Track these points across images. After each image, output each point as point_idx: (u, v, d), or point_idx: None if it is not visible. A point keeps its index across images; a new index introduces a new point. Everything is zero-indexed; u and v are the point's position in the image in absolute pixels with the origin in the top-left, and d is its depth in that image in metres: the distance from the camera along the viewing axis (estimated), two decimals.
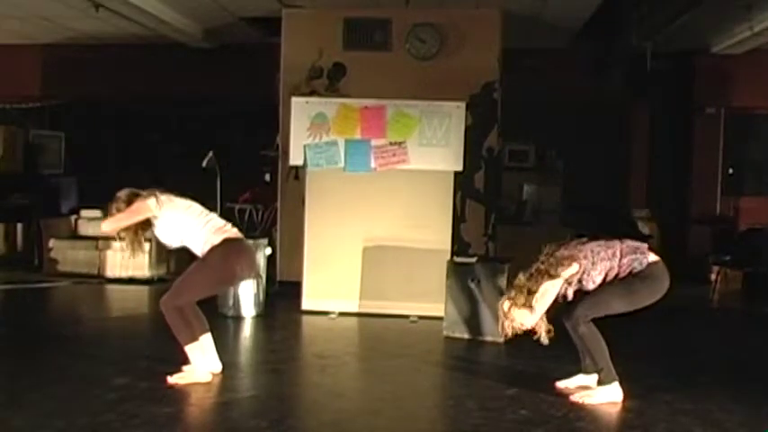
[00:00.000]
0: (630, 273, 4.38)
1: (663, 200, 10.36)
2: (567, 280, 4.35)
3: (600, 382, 4.46)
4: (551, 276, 4.32)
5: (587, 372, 4.63)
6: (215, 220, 4.82)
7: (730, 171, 10.46)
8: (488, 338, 6.08)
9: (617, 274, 4.38)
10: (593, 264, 4.36)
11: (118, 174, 11.05)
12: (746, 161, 10.65)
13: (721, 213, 10.20)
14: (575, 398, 4.45)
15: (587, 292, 4.40)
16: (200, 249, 4.70)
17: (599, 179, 10.15)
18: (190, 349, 4.67)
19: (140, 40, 9.94)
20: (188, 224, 4.71)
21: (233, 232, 4.79)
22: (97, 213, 9.38)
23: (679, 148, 10.31)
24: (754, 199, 10.38)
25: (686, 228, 10.15)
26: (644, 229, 9.90)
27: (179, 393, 4.45)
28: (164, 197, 4.72)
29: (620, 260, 4.38)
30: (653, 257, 4.46)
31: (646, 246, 4.53)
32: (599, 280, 4.38)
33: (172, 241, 4.78)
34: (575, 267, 4.33)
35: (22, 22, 9.21)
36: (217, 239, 4.65)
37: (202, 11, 8.92)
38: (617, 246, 4.44)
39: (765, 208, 10.07)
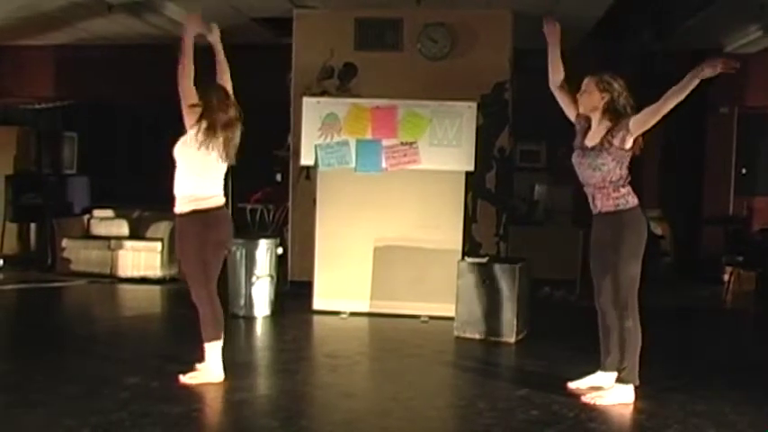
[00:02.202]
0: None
1: (675, 200, 10.30)
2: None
3: (619, 380, 4.45)
4: None
5: (607, 369, 4.60)
6: (209, 182, 4.62)
7: (743, 171, 10.39)
8: (500, 339, 6.07)
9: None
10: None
11: (130, 174, 11.14)
12: (760, 161, 10.58)
13: (734, 213, 10.12)
14: (586, 398, 4.44)
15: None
16: (177, 193, 4.62)
17: None
18: (210, 347, 4.65)
19: (151, 41, 9.96)
20: (186, 165, 4.61)
21: (207, 204, 4.58)
22: (110, 213, 9.45)
23: (692, 147, 10.24)
24: None
25: (699, 228, 10.09)
26: (656, 229, 9.85)
27: (191, 392, 4.46)
28: (205, 125, 4.57)
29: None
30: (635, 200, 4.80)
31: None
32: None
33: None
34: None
35: (35, 22, 9.24)
36: (186, 208, 4.57)
37: (213, 11, 8.92)
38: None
39: None
